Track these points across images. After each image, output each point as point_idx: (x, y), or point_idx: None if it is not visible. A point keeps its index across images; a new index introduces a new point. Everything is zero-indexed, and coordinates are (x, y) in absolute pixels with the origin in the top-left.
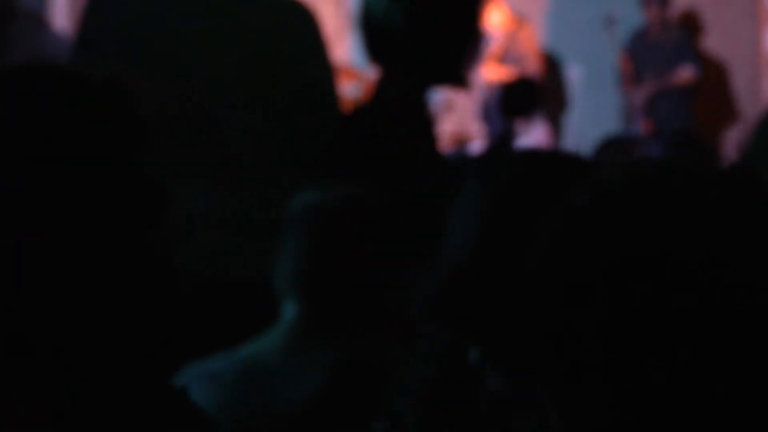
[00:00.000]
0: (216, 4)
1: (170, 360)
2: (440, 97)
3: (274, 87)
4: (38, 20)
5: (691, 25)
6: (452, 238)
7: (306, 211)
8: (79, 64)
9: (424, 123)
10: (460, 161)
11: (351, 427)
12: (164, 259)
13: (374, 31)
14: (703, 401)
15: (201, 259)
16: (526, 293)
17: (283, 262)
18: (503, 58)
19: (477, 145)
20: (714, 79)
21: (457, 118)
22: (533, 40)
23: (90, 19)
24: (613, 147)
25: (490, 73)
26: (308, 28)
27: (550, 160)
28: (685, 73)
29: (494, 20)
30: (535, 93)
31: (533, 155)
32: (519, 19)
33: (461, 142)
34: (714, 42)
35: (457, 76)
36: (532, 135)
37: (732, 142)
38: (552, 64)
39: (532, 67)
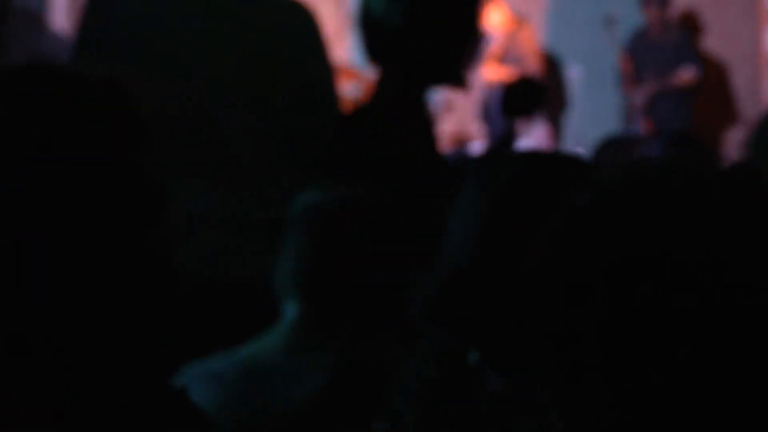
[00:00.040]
0: (216, 4)
1: (170, 360)
2: (440, 97)
3: (274, 87)
4: (35, 19)
5: (691, 25)
6: (452, 240)
7: (307, 211)
8: (79, 64)
9: (423, 123)
10: (460, 161)
11: (351, 427)
12: (164, 259)
13: (373, 31)
14: (703, 401)
15: (201, 259)
16: (526, 293)
17: (284, 262)
18: (503, 58)
19: (477, 145)
20: (714, 79)
21: (457, 118)
22: (533, 40)
23: (90, 19)
24: (613, 147)
25: (490, 73)
26: (308, 28)
27: (550, 161)
28: (686, 74)
29: (494, 20)
30: (536, 93)
31: (533, 156)
32: (519, 19)
33: (461, 142)
34: (714, 42)
35: (456, 77)
36: (533, 135)
37: (732, 142)
38: (552, 64)
39: (532, 67)
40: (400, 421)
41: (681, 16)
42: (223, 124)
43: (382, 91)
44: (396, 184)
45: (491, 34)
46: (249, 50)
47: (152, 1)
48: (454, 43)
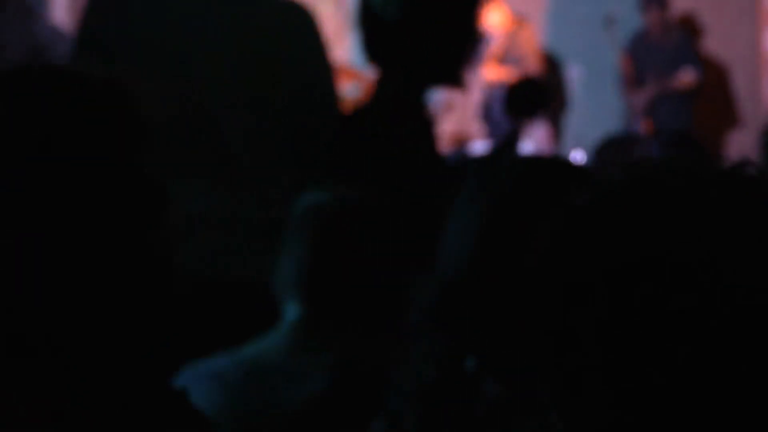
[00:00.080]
0: (216, 4)
1: (170, 360)
2: (440, 97)
3: (273, 87)
4: (29, 10)
5: (690, 26)
6: (451, 243)
7: (308, 211)
8: (79, 64)
9: (423, 123)
10: (460, 161)
11: (351, 428)
12: (164, 259)
13: (372, 25)
14: (703, 401)
15: (201, 259)
16: (527, 293)
17: (285, 262)
18: (503, 58)
19: (477, 145)
20: (714, 80)
21: (457, 118)
22: (533, 40)
23: (90, 19)
24: (613, 147)
25: (490, 73)
26: (308, 28)
27: (550, 165)
28: (687, 77)
29: (494, 20)
30: (539, 93)
31: (533, 161)
32: (519, 19)
33: (461, 142)
34: (713, 43)
35: (455, 77)
36: (533, 136)
37: (732, 142)
38: (552, 64)
39: (532, 67)
40: (399, 421)
41: (681, 18)
42: (223, 124)
43: (382, 91)
44: (396, 184)
45: (491, 34)
46: (249, 50)
47: (152, 1)
48: (454, 43)
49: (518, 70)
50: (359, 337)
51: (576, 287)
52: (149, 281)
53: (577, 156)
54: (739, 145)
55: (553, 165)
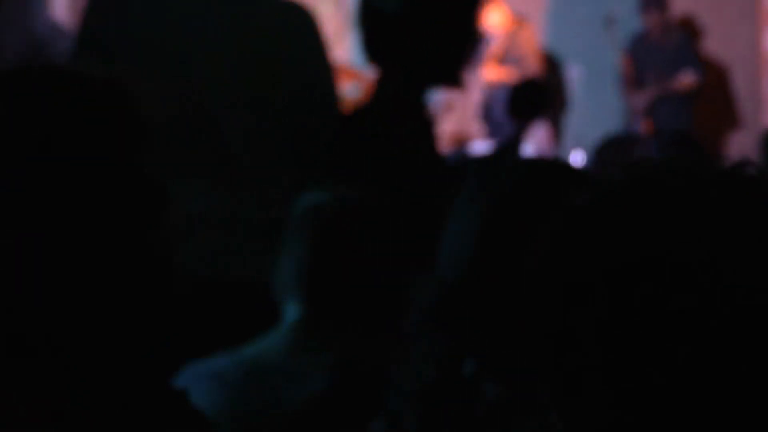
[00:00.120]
0: (216, 4)
1: (170, 360)
2: (440, 97)
3: (273, 87)
4: (27, 6)
5: (690, 27)
6: (450, 247)
7: (308, 212)
8: (79, 64)
9: (423, 123)
10: (460, 161)
11: (351, 428)
12: (164, 259)
13: (371, 23)
14: (703, 401)
15: (201, 259)
16: (527, 293)
17: (285, 263)
18: (503, 58)
19: (477, 145)
20: (714, 80)
21: (457, 118)
22: (533, 40)
23: (90, 19)
24: (613, 147)
25: (490, 73)
26: (308, 28)
27: (551, 168)
28: (687, 79)
29: (494, 20)
30: (541, 94)
31: (533, 164)
32: (519, 19)
33: (461, 142)
34: (713, 44)
35: (454, 77)
36: (533, 136)
37: (732, 143)
38: (552, 64)
39: (532, 67)
40: (399, 421)
41: (680, 19)
42: (223, 124)
43: (382, 91)
44: (396, 184)
45: (491, 34)
46: (249, 50)
47: (152, 1)
48: (454, 43)
49: (518, 70)
50: (359, 337)
51: (576, 287)
52: (149, 281)
53: (577, 156)
54: (739, 145)
55: (553, 167)
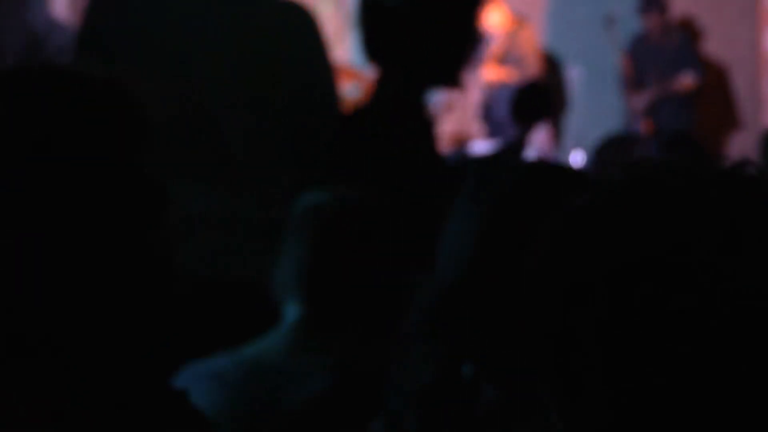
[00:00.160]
0: (216, 4)
1: (170, 360)
2: (440, 97)
3: (273, 87)
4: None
5: (690, 28)
6: (449, 248)
7: (308, 212)
8: (80, 64)
9: (423, 123)
10: (460, 161)
11: (352, 428)
12: (164, 259)
13: (371, 21)
14: (703, 401)
15: (201, 259)
16: (527, 293)
17: (285, 263)
18: (503, 58)
19: (477, 145)
20: (714, 81)
21: (457, 118)
22: (533, 40)
23: (90, 19)
24: (613, 146)
25: (490, 73)
26: (308, 28)
27: (551, 170)
28: (687, 80)
29: (494, 20)
30: (545, 98)
31: (533, 166)
32: (519, 19)
33: (461, 142)
34: (714, 44)
35: (454, 77)
36: (533, 136)
37: (733, 143)
38: (552, 64)
39: (532, 67)
40: (399, 421)
41: (680, 19)
42: (223, 125)
43: (382, 91)
44: (396, 184)
45: (491, 34)
46: (249, 50)
47: (152, 1)
48: (453, 43)
49: (518, 70)
50: (359, 337)
51: (576, 287)
52: (149, 281)
53: (577, 156)
54: (740, 145)
55: (553, 169)
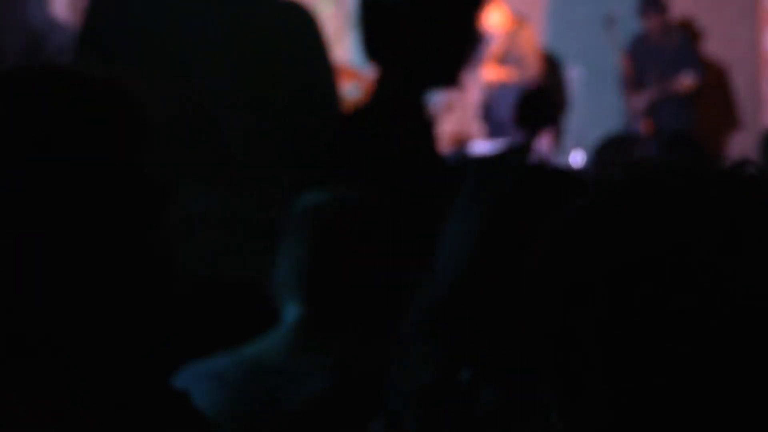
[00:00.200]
0: (216, 4)
1: (170, 360)
2: (440, 97)
3: (273, 87)
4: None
5: (690, 28)
6: (449, 250)
7: (308, 212)
8: (80, 64)
9: (423, 123)
10: (460, 161)
11: (352, 428)
12: (165, 259)
13: (371, 15)
14: (702, 401)
15: (201, 259)
16: (527, 293)
17: (285, 263)
18: (503, 58)
19: (477, 145)
20: (714, 81)
21: (457, 118)
22: (533, 40)
23: (90, 19)
24: (613, 146)
25: (490, 73)
26: (308, 28)
27: (550, 173)
28: (687, 81)
29: (494, 20)
30: (550, 104)
31: (532, 168)
32: (519, 19)
33: (461, 142)
34: (714, 44)
35: (453, 78)
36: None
37: (732, 143)
38: (552, 64)
39: (532, 67)
40: (399, 421)
41: (680, 19)
42: (223, 125)
43: (381, 91)
44: (396, 184)
45: (491, 34)
46: (249, 50)
47: (153, 1)
48: (453, 43)
49: (518, 70)
50: (359, 337)
51: (576, 287)
52: (149, 281)
53: (577, 156)
54: (740, 145)
55: (552, 171)
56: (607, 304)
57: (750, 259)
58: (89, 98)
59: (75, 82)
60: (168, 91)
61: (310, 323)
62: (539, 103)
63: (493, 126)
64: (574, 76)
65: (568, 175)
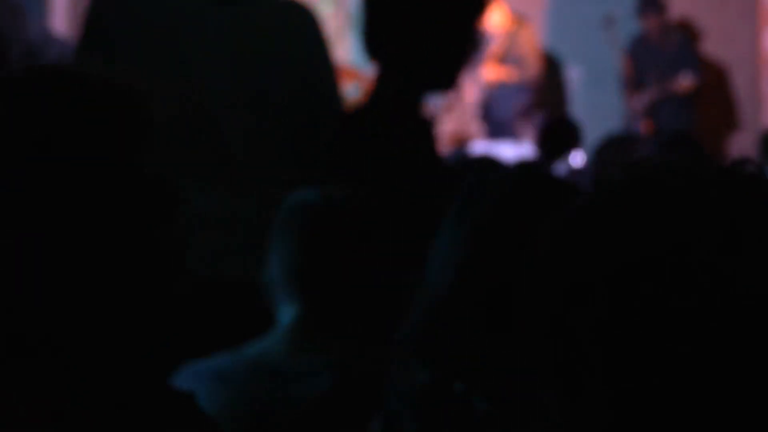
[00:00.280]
0: (216, 4)
1: (170, 360)
2: (440, 97)
3: (274, 87)
4: (21, 12)
5: (690, 28)
6: (437, 267)
7: (293, 211)
8: (80, 64)
9: (422, 123)
10: (460, 161)
11: (352, 428)
12: (169, 259)
13: (373, 12)
14: (702, 401)
15: (201, 259)
16: (526, 293)
17: (274, 263)
18: (503, 58)
19: (477, 145)
20: (714, 81)
21: (457, 118)
22: (533, 40)
23: (91, 19)
24: (613, 147)
25: (490, 73)
26: (308, 27)
27: (539, 181)
28: (686, 81)
29: (494, 20)
30: (575, 131)
31: (521, 181)
32: (519, 19)
33: (461, 142)
34: (713, 44)
35: (451, 80)
36: (534, 136)
37: (732, 143)
38: (552, 64)
39: (532, 67)
40: (398, 421)
41: (680, 19)
42: (223, 124)
43: (381, 91)
44: (395, 184)
45: (491, 34)
46: (249, 50)
47: (153, 1)
48: (454, 45)
49: (518, 70)
50: (358, 337)
51: (576, 287)
52: (150, 281)
53: (577, 156)
54: (739, 145)
55: (542, 180)
56: (607, 304)
57: (750, 259)
58: (94, 97)
59: (76, 82)
60: (168, 90)
61: (309, 323)
62: (562, 131)
63: (492, 126)
64: (574, 76)
65: (556, 183)
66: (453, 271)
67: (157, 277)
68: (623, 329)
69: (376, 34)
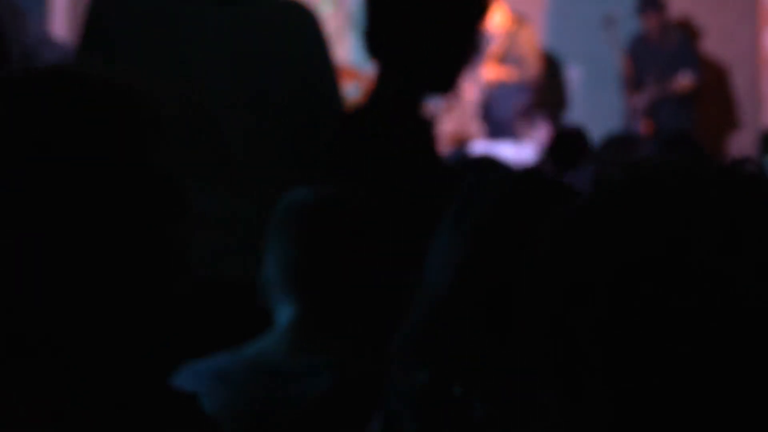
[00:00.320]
0: (216, 4)
1: (170, 360)
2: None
3: (274, 87)
4: (20, 14)
5: (690, 27)
6: (435, 270)
7: (289, 211)
8: (81, 65)
9: (422, 123)
10: (460, 161)
11: (352, 428)
12: (173, 259)
13: (375, 10)
14: (702, 401)
15: (201, 259)
16: (526, 293)
17: (270, 262)
18: (503, 58)
19: (477, 145)
20: (714, 80)
21: (457, 118)
22: (533, 40)
23: (91, 19)
24: (613, 147)
25: (490, 72)
26: (309, 27)
27: (537, 183)
28: (685, 81)
29: (494, 20)
30: (585, 143)
31: (518, 184)
32: (519, 19)
33: (461, 142)
34: (713, 44)
35: (450, 81)
36: (534, 136)
37: (732, 142)
38: (552, 64)
39: (532, 67)
40: (398, 421)
41: (680, 19)
42: (223, 124)
43: (381, 91)
44: (395, 184)
45: (491, 34)
46: (249, 50)
47: (153, 1)
48: (454, 46)
49: (518, 70)
50: (357, 337)
51: (576, 287)
52: (150, 282)
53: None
54: (739, 145)
55: (539, 183)
56: (607, 304)
57: (750, 259)
58: (95, 98)
59: (76, 82)
60: (168, 91)
61: (308, 323)
62: (573, 142)
63: (492, 125)
64: (574, 76)
65: (553, 185)
66: (453, 271)
67: (158, 277)
68: (623, 329)
69: (377, 34)
